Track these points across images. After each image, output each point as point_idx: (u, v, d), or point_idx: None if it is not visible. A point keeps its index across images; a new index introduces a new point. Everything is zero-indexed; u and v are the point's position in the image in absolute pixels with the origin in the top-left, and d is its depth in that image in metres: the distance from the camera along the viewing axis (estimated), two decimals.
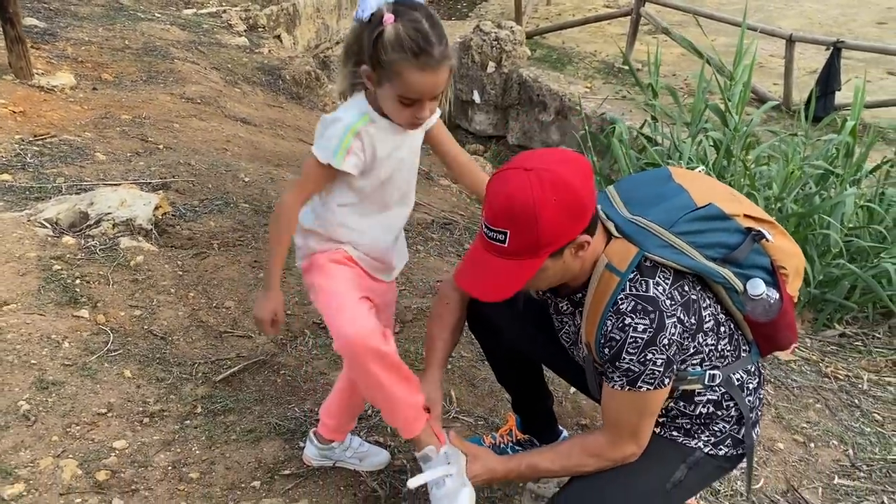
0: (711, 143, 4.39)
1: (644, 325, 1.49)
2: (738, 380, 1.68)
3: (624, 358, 1.52)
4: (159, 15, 7.84)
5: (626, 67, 8.69)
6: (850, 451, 2.46)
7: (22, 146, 4.01)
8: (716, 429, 1.70)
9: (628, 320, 1.50)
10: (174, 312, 2.78)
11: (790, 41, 8.26)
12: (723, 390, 1.66)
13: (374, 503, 2.06)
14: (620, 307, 1.52)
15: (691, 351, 1.58)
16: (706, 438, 1.71)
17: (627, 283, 1.53)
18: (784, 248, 1.65)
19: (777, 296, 1.61)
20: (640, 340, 1.50)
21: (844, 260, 3.59)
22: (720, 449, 1.71)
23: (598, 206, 1.60)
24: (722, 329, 1.63)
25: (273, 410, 2.34)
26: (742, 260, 1.59)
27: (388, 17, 1.58)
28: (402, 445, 2.24)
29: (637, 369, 1.52)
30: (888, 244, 3.60)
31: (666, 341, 1.50)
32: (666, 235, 1.56)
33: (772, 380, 2.86)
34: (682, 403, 1.69)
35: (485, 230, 1.53)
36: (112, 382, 2.36)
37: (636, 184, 1.73)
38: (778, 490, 2.24)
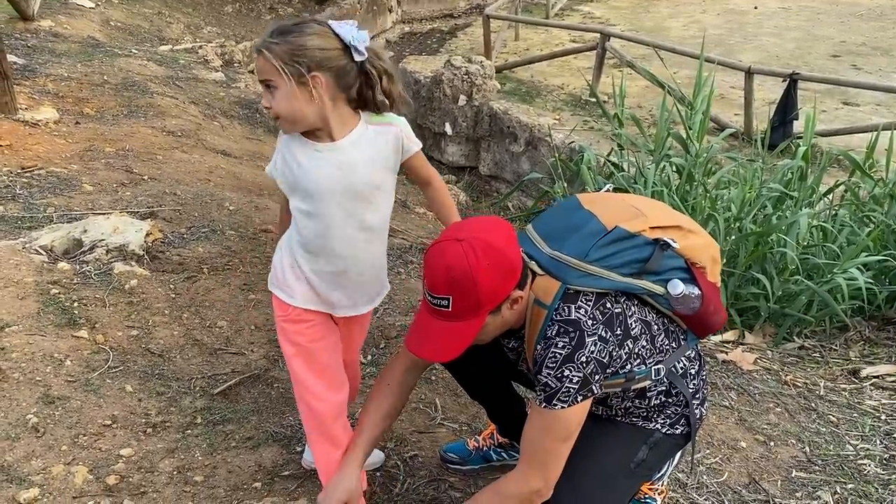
0: (674, 169, 4.63)
1: (564, 342, 1.66)
2: (681, 368, 1.87)
3: (543, 372, 1.67)
4: (136, 51, 7.98)
5: (593, 99, 8.99)
6: (807, 449, 2.65)
7: (11, 178, 4.13)
8: (669, 412, 1.89)
9: (552, 341, 1.67)
10: (169, 332, 2.91)
11: (749, 73, 8.61)
12: (669, 381, 1.85)
13: (368, 501, 2.20)
14: (548, 333, 1.69)
15: (623, 358, 1.73)
16: (662, 421, 1.89)
17: (554, 312, 1.70)
18: (694, 245, 1.83)
19: (697, 290, 1.80)
20: (558, 356, 1.65)
21: (801, 277, 3.81)
22: (676, 428, 1.90)
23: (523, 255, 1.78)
24: (654, 328, 1.81)
25: (270, 419, 2.48)
26: (656, 269, 1.77)
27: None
28: (396, 448, 2.39)
29: (554, 385, 1.66)
30: (841, 261, 3.82)
31: (584, 359, 1.65)
32: (583, 266, 1.73)
33: (735, 387, 3.06)
34: (636, 401, 1.87)
35: (429, 298, 1.69)
36: (115, 397, 2.49)
37: (550, 218, 1.91)
38: (741, 483, 2.42)
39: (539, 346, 1.70)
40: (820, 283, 3.76)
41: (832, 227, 4.15)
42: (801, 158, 4.34)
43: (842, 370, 3.42)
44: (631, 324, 1.75)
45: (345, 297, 1.97)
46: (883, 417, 2.92)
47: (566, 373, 1.64)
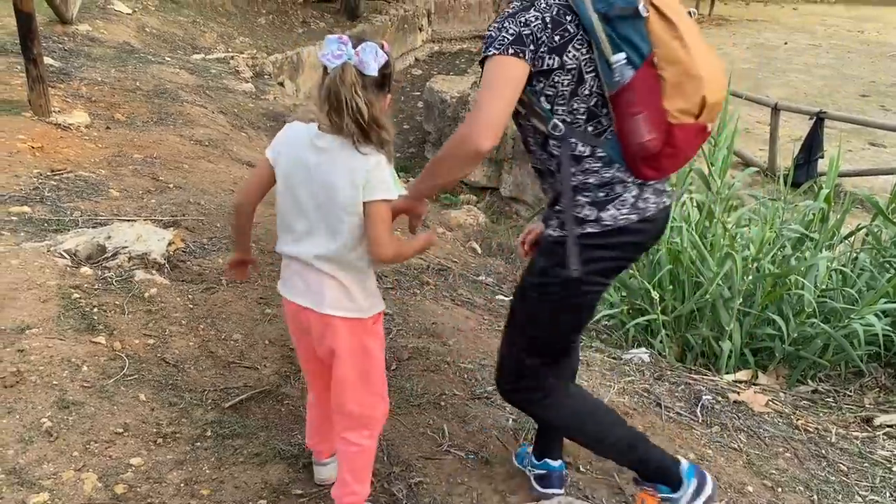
0: (695, 205, 4.62)
1: (515, 5, 1.89)
2: (579, 152, 1.91)
3: (489, 27, 1.88)
4: (169, 59, 8.09)
5: None
6: (815, 497, 2.63)
7: (40, 180, 4.20)
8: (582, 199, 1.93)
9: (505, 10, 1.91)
10: (185, 342, 2.94)
11: (775, 109, 8.60)
12: (559, 152, 1.92)
13: None
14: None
15: (544, 66, 1.85)
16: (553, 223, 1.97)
17: None
18: (677, 58, 1.80)
19: (630, 76, 1.81)
20: (506, 13, 1.88)
21: (818, 320, 3.80)
22: (563, 230, 1.93)
23: None
24: (581, 89, 1.87)
25: (278, 436, 2.50)
26: (612, 16, 1.81)
27: (387, 46, 1.89)
28: (401, 473, 2.40)
29: (493, 34, 1.85)
30: (859, 306, 3.80)
31: (524, 20, 1.83)
32: None
33: (745, 429, 3.04)
34: (543, 154, 1.98)
35: None
36: (128, 405, 2.52)
37: None
38: None
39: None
40: (837, 327, 3.74)
41: (852, 270, 4.14)
42: (824, 201, 4.32)
43: (855, 417, 3.39)
44: (569, 51, 1.85)
45: None
46: (894, 469, 2.89)
47: (506, 25, 1.84)
